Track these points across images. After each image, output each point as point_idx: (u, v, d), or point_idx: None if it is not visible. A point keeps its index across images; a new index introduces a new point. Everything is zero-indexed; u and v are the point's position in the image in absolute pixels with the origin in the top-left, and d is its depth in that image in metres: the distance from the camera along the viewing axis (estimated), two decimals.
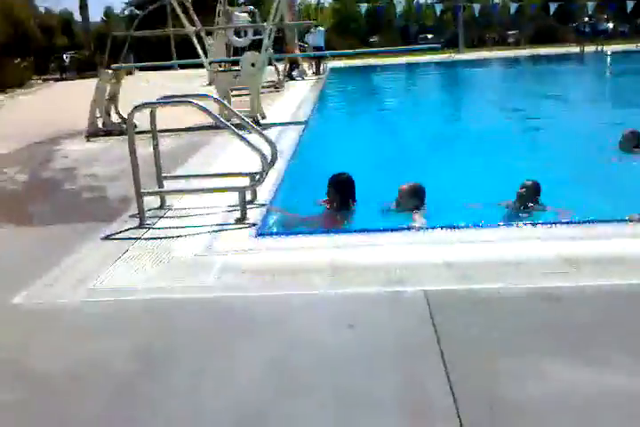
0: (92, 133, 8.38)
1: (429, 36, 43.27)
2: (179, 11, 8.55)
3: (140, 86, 13.33)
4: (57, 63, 30.85)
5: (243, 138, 4.10)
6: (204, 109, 4.01)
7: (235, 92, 9.55)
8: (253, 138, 4.40)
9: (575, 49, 24.24)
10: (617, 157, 6.04)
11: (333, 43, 36.70)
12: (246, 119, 4.61)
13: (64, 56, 35.76)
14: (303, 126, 8.18)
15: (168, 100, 4.38)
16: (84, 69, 25.88)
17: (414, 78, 19.74)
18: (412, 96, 13.98)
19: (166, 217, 4.30)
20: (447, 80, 18.87)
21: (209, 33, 12.93)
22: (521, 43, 38.48)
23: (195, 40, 8.56)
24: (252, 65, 8.42)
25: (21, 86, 17.87)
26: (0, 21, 32.96)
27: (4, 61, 19.22)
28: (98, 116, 8.57)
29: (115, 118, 8.78)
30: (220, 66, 9.46)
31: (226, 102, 4.51)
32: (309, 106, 10.59)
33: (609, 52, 23.09)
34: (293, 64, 17.54)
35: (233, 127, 4.11)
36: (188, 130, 8.19)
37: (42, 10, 42.47)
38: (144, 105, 4.11)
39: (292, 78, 16.91)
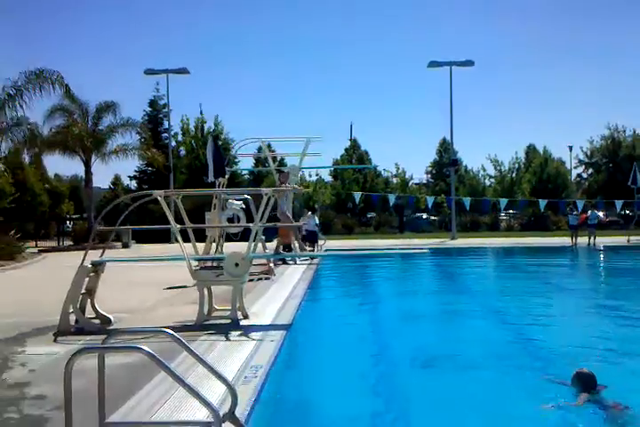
0: (63, 331, 7.84)
1: (424, 215, 45.04)
2: (165, 208, 8.35)
3: (121, 273, 13.11)
4: (57, 230, 31.32)
5: (192, 389, 3.58)
6: (155, 358, 3.52)
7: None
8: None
9: (567, 239, 24.72)
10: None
11: (331, 220, 38.03)
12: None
13: (67, 222, 36.59)
14: (285, 332, 7.67)
15: (115, 346, 3.92)
16: (83, 238, 26.12)
17: (408, 266, 19.66)
18: (405, 293, 13.41)
19: None
20: (441, 272, 18.81)
21: None
22: (513, 228, 39.83)
23: (178, 236, 8.32)
24: (236, 265, 8.15)
25: (12, 259, 17.60)
26: (8, 186, 34.26)
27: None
28: (71, 311, 8.11)
29: (90, 313, 8.36)
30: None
31: (185, 343, 3.98)
32: (296, 301, 10.19)
33: (601, 247, 23.51)
34: (287, 246, 17.55)
35: (184, 379, 3.57)
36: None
37: (51, 175, 44.72)
38: (85, 350, 3.62)
39: (284, 262, 16.82)
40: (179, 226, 8.41)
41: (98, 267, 8.47)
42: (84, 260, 8.18)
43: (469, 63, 32.00)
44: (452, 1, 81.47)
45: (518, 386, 5.86)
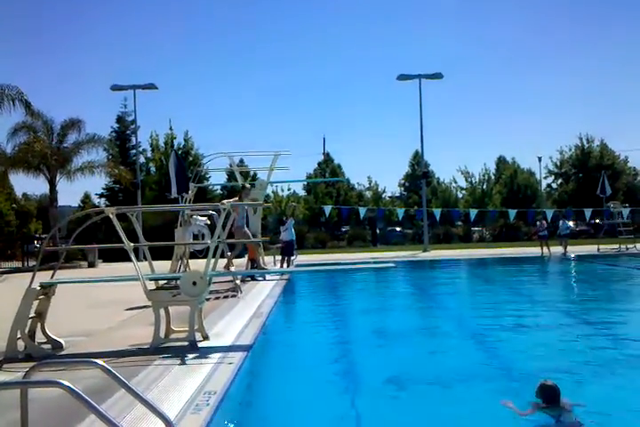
0: (10, 358, 7.39)
1: (397, 229, 44.98)
2: (117, 225, 8.01)
3: (82, 294, 12.52)
4: (22, 250, 30.42)
5: None
6: (78, 395, 3.17)
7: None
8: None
9: (538, 250, 24.78)
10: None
11: (304, 234, 37.80)
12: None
13: (34, 242, 35.67)
14: (245, 353, 7.33)
15: (32, 380, 3.56)
16: (48, 259, 25.40)
17: (378, 279, 19.39)
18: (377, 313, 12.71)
19: None
20: (411, 285, 18.60)
21: None
22: (485, 239, 40.00)
23: (131, 255, 7.98)
24: (194, 283, 7.82)
25: None
26: None
27: None
28: (19, 336, 7.67)
29: (41, 338, 7.95)
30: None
31: (116, 373, 3.65)
32: (261, 320, 9.84)
33: (572, 256, 23.59)
34: (254, 262, 17.14)
35: (113, 420, 3.23)
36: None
37: (19, 194, 43.93)
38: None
39: (253, 278, 16.46)
40: (132, 244, 8.06)
41: (48, 289, 8.08)
42: (32, 282, 7.79)
43: (438, 76, 32.15)
44: (419, 11, 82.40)
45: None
